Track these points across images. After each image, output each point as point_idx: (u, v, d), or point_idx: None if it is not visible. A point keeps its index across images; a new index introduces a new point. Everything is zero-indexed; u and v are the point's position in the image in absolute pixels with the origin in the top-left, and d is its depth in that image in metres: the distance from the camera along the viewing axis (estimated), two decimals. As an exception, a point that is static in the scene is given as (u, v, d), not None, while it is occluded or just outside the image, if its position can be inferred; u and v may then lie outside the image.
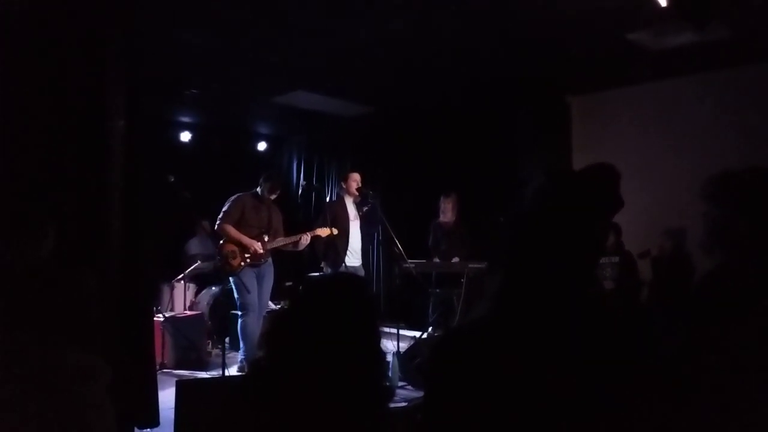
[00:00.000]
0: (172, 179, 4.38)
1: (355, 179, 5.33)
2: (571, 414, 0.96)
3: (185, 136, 7.35)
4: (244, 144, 8.10)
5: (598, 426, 0.96)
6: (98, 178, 2.79)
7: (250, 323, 4.72)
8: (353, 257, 5.32)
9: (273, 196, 4.98)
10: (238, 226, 4.81)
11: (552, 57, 4.87)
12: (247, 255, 4.77)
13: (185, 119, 7.39)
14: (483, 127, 6.19)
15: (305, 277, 5.35)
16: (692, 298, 1.58)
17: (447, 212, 5.73)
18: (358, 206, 5.42)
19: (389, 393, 1.39)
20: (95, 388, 1.12)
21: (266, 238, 4.86)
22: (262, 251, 4.79)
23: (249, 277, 4.77)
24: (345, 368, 1.26)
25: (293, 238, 4.91)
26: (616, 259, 5.04)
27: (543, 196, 1.04)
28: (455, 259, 5.44)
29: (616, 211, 1.04)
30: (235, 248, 4.78)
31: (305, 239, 4.86)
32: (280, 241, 4.93)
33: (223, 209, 4.87)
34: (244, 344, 4.73)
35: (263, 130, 8.25)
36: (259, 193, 4.96)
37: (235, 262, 4.75)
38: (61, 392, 1.10)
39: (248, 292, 4.73)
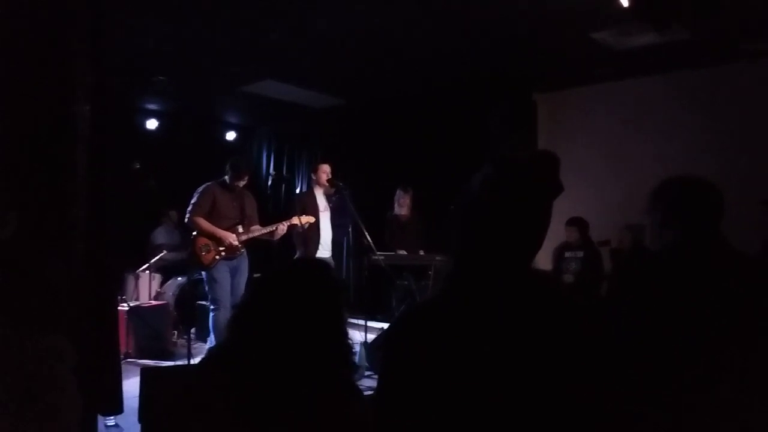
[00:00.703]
0: (138, 166, 4.30)
1: (325, 170, 5.31)
2: (519, 394, 1.00)
3: (152, 124, 7.23)
4: (212, 133, 8.01)
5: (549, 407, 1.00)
6: (62, 163, 2.74)
7: (221, 318, 4.48)
8: (323, 249, 5.32)
9: (242, 183, 4.70)
10: (209, 218, 4.56)
11: (519, 55, 4.97)
12: (221, 248, 4.54)
13: (152, 107, 7.26)
14: (451, 121, 6.26)
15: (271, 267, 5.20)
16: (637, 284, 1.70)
17: (404, 206, 5.81)
18: (329, 197, 5.43)
19: (354, 368, 1.43)
20: (62, 369, 1.13)
21: (240, 229, 4.64)
22: (236, 243, 4.57)
23: (222, 272, 4.57)
24: (310, 346, 1.30)
25: (269, 228, 4.70)
26: (580, 254, 5.17)
27: (488, 182, 1.09)
28: (420, 252, 5.53)
29: (556, 195, 1.12)
30: (209, 242, 4.54)
31: (281, 228, 4.68)
32: (255, 232, 4.70)
33: (192, 201, 4.61)
34: (215, 338, 4.57)
35: (232, 119, 8.17)
36: (227, 181, 4.68)
37: (209, 257, 4.52)
38: (29, 372, 1.10)
39: (220, 287, 4.53)
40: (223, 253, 4.55)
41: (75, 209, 2.74)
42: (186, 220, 4.63)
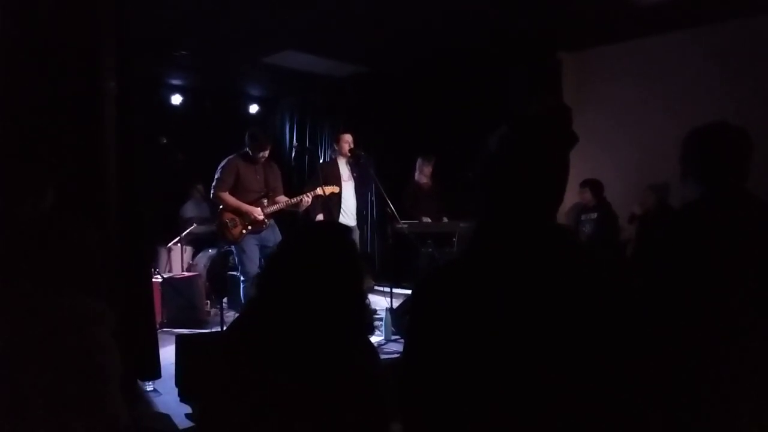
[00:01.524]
0: (165, 141, 4.37)
1: (346, 140, 5.32)
2: (545, 355, 1.00)
3: (176, 99, 7.32)
4: (236, 106, 8.06)
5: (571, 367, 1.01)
6: (92, 139, 2.83)
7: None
8: (347, 217, 5.37)
9: (264, 154, 4.63)
10: (234, 192, 4.55)
11: (543, 14, 4.85)
12: (247, 223, 4.56)
13: (176, 82, 7.34)
14: (475, 85, 6.18)
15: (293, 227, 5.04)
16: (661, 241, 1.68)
17: (426, 175, 5.83)
18: (352, 167, 5.46)
19: (370, 326, 1.49)
20: (103, 331, 1.20)
21: (265, 202, 4.64)
22: (261, 217, 4.57)
23: (250, 245, 4.59)
24: (328, 305, 1.36)
25: (294, 200, 4.68)
26: (594, 215, 5.12)
27: (503, 140, 1.11)
28: (444, 219, 5.55)
29: (571, 146, 1.12)
30: (234, 216, 4.55)
31: (306, 200, 4.65)
32: (281, 204, 4.68)
33: (216, 176, 4.60)
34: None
35: (255, 92, 8.20)
36: (250, 153, 4.63)
37: (235, 231, 4.54)
38: (72, 335, 1.18)
39: (249, 259, 4.56)
40: (249, 227, 4.57)
41: (106, 183, 2.84)
42: (211, 195, 4.66)
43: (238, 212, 4.56)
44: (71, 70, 2.78)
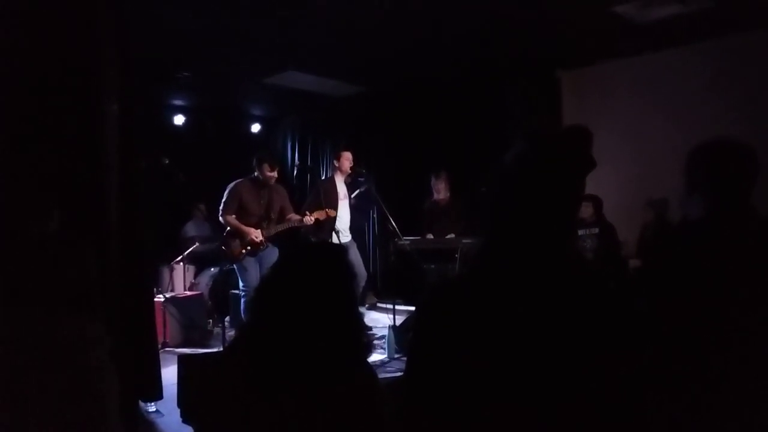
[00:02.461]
0: (167, 162, 4.41)
1: (347, 158, 5.38)
2: (551, 369, 1.00)
3: (179, 119, 7.38)
4: (238, 126, 8.11)
5: (576, 379, 1.00)
6: (94, 161, 2.85)
7: None
8: (343, 235, 5.43)
9: (274, 175, 4.88)
10: (238, 215, 4.83)
11: (541, 32, 4.90)
12: (246, 244, 4.81)
13: (179, 102, 7.40)
14: (475, 103, 6.23)
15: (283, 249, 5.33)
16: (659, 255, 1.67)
17: (440, 191, 5.83)
18: (351, 185, 5.50)
19: (368, 345, 1.48)
20: (98, 353, 1.20)
21: (265, 225, 4.87)
22: (259, 240, 4.80)
23: (251, 264, 4.84)
24: (323, 327, 1.36)
25: (292, 223, 4.91)
26: (595, 230, 5.12)
27: (521, 158, 1.09)
28: (451, 236, 5.54)
29: (589, 171, 1.10)
30: (236, 238, 4.84)
31: (307, 220, 4.88)
32: (280, 228, 4.92)
33: (223, 200, 4.87)
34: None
35: (257, 111, 8.26)
36: (258, 176, 4.88)
37: (235, 252, 4.83)
38: (69, 358, 1.18)
39: (249, 275, 4.81)
40: (248, 248, 4.82)
41: (108, 205, 2.86)
42: (219, 218, 4.91)
43: (239, 234, 4.81)
44: (73, 93, 2.81)
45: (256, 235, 4.79)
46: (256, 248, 4.83)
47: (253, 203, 4.86)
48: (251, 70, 5.96)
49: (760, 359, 1.50)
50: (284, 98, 7.15)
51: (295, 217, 4.94)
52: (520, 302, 1.02)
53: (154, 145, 5.77)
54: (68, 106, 2.81)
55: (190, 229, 6.90)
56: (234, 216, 4.81)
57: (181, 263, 6.09)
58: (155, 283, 5.71)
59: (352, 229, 5.59)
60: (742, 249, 1.56)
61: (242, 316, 4.74)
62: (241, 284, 4.93)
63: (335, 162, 5.54)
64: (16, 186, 1.99)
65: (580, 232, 5.20)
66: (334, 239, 5.25)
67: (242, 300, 4.87)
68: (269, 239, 4.89)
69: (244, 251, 4.82)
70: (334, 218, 5.25)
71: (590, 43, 5.21)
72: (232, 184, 4.90)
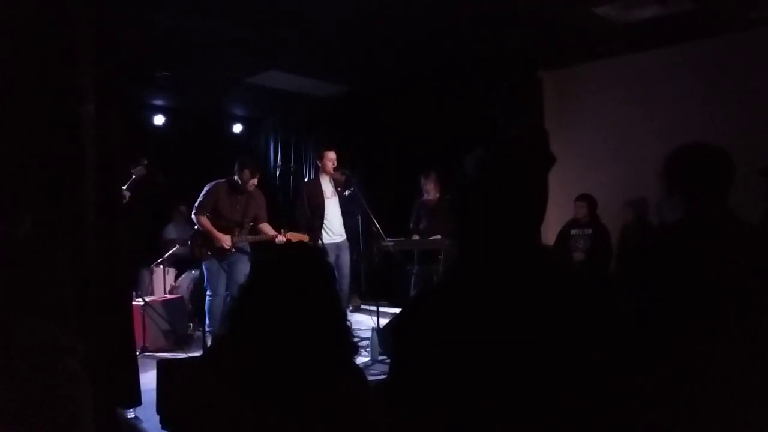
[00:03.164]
0: (146, 162, 4.34)
1: (330, 158, 5.37)
2: (532, 371, 1.00)
3: (159, 120, 7.27)
4: (219, 126, 8.03)
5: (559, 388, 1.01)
6: (71, 163, 2.78)
7: (215, 305, 4.80)
8: (332, 234, 5.41)
9: (254, 182, 4.81)
10: (212, 216, 4.76)
11: (522, 32, 4.92)
12: (213, 247, 4.77)
13: (158, 102, 7.29)
14: (458, 103, 6.23)
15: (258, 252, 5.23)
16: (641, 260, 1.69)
17: (430, 191, 5.82)
18: (337, 185, 5.48)
19: (353, 347, 1.46)
20: (71, 362, 1.16)
21: (237, 231, 4.82)
22: (227, 247, 4.75)
23: (214, 265, 4.80)
24: (306, 330, 1.33)
25: (264, 237, 4.87)
26: (589, 231, 5.16)
27: (480, 163, 1.10)
28: (436, 237, 5.53)
29: (549, 167, 1.13)
30: (204, 239, 4.79)
31: (280, 239, 4.81)
32: (251, 238, 4.89)
33: (198, 199, 4.80)
34: (209, 321, 4.82)
35: (238, 111, 8.18)
36: (237, 180, 4.81)
37: (200, 252, 4.80)
38: (38, 366, 1.14)
39: (213, 276, 4.80)
40: (212, 251, 4.79)
41: (84, 207, 2.79)
42: (192, 216, 4.85)
43: (208, 237, 4.77)
44: (48, 93, 2.74)
45: (226, 242, 4.75)
46: (222, 254, 4.80)
47: (229, 207, 4.81)
48: (233, 70, 5.90)
49: (741, 360, 1.51)
50: (266, 98, 7.09)
51: (268, 231, 4.90)
52: (498, 306, 1.03)
53: (134, 146, 5.69)
54: (43, 106, 2.74)
55: (171, 231, 6.80)
56: (207, 217, 4.75)
57: (162, 266, 6.00)
58: (135, 286, 5.62)
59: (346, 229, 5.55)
60: (721, 251, 1.59)
61: (207, 315, 4.86)
62: (205, 284, 4.91)
63: (318, 162, 5.52)
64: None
65: (573, 232, 5.24)
66: (326, 239, 5.23)
67: (207, 300, 4.87)
68: (238, 248, 4.84)
69: (209, 253, 4.79)
70: (321, 218, 5.23)
71: (572, 44, 5.25)
72: (210, 184, 4.84)
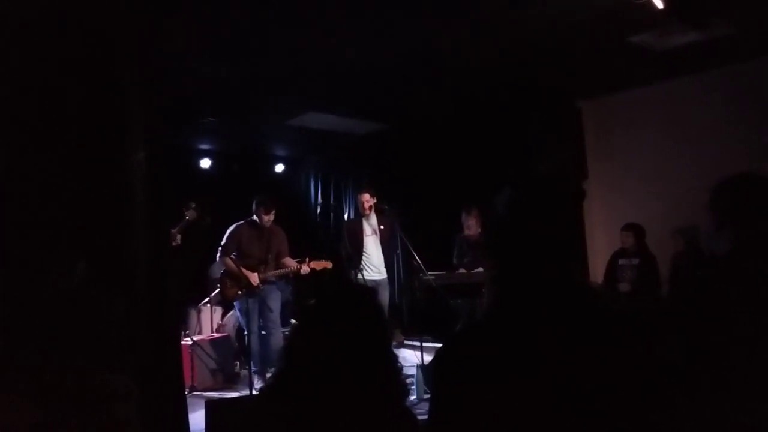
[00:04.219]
0: (194, 206, 4.51)
1: (363, 200, 5.53)
2: (575, 411, 0.99)
3: (205, 163, 7.55)
4: (262, 167, 8.27)
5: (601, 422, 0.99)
6: (123, 210, 2.91)
7: (253, 342, 4.95)
8: (373, 271, 5.47)
9: (270, 218, 5.03)
10: (238, 257, 4.96)
11: (559, 64, 4.92)
12: (242, 285, 4.95)
13: (204, 146, 7.58)
14: (499, 136, 6.24)
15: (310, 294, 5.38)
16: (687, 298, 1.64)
17: (471, 226, 5.79)
18: (379, 221, 5.56)
19: (405, 389, 1.46)
20: (126, 407, 1.20)
21: (262, 269, 5.00)
22: (255, 283, 4.92)
23: (246, 303, 4.94)
24: (359, 372, 1.34)
25: (289, 270, 5.02)
26: (636, 260, 5.00)
27: (510, 203, 1.11)
28: (479, 269, 5.49)
29: (579, 201, 1.13)
30: (232, 279, 4.99)
31: (304, 269, 4.96)
32: (276, 273, 5.05)
33: (222, 242, 5.02)
34: (252, 360, 4.93)
35: (279, 152, 8.41)
36: (256, 219, 5.04)
37: (231, 292, 5.00)
38: (94, 411, 1.18)
39: (246, 316, 4.93)
40: (244, 290, 4.96)
41: (137, 253, 2.90)
42: (217, 259, 5.09)
43: (236, 276, 4.94)
44: (100, 143, 2.89)
45: (253, 279, 4.91)
46: (252, 290, 4.94)
47: (252, 246, 5.02)
48: (273, 114, 6.10)
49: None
50: (306, 138, 7.28)
51: (291, 264, 5.03)
52: (537, 347, 1.02)
53: (182, 189, 5.91)
54: (96, 156, 2.89)
55: (216, 270, 6.95)
56: (233, 258, 4.94)
57: (208, 305, 6.12)
58: (183, 325, 5.75)
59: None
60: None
61: (248, 352, 4.97)
62: (242, 324, 5.08)
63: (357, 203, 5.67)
64: (41, 239, 2.04)
65: (621, 262, 5.10)
66: (366, 275, 5.32)
67: (245, 340, 5.02)
68: (264, 281, 5.00)
69: (240, 292, 4.96)
70: (359, 256, 5.35)
71: (610, 73, 5.21)
72: (231, 227, 5.09)
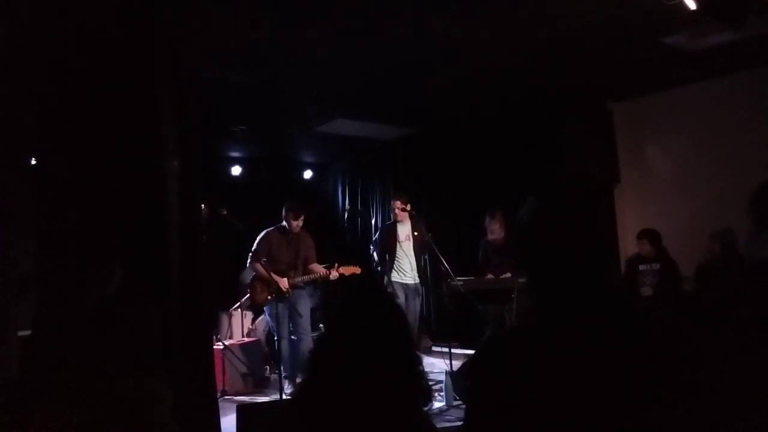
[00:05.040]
0: (225, 212, 4.58)
1: (395, 206, 5.58)
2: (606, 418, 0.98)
3: (236, 170, 7.68)
4: (291, 173, 8.37)
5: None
6: (157, 217, 2.98)
7: (283, 347, 5.03)
8: (406, 276, 5.52)
9: (299, 223, 5.11)
10: (267, 262, 5.03)
11: (590, 67, 4.86)
12: (272, 290, 5.02)
13: (235, 154, 7.71)
14: (528, 140, 6.18)
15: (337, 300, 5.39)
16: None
17: (495, 231, 5.74)
18: (414, 227, 5.62)
19: (428, 392, 1.46)
20: (162, 410, 1.23)
21: (292, 274, 5.08)
22: (285, 288, 4.99)
23: (275, 308, 5.01)
24: (384, 375, 1.35)
25: (318, 276, 5.10)
26: (657, 266, 4.92)
27: (535, 213, 1.11)
28: (507, 275, 5.42)
29: (608, 207, 1.13)
30: (262, 284, 5.08)
31: (333, 274, 5.04)
32: (305, 278, 5.13)
33: (253, 248, 5.11)
34: (283, 365, 5.01)
35: (308, 158, 8.50)
36: (285, 225, 5.13)
37: (261, 297, 5.09)
38: (134, 414, 1.21)
39: (276, 321, 5.00)
40: (273, 295, 5.03)
41: (171, 260, 2.96)
42: (247, 264, 5.16)
43: (266, 281, 5.02)
44: (135, 151, 2.97)
45: (283, 284, 4.99)
46: (282, 295, 5.01)
47: (281, 251, 5.12)
48: (301, 121, 6.17)
49: None
50: (334, 145, 7.34)
51: (320, 270, 5.10)
52: (575, 352, 1.02)
53: (213, 196, 6.01)
54: (131, 165, 2.96)
55: (247, 275, 7.04)
56: (262, 263, 5.00)
57: (239, 309, 6.21)
58: (215, 330, 5.84)
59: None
60: None
61: (279, 356, 5.04)
62: (272, 330, 5.14)
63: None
64: (80, 248, 2.10)
65: (641, 268, 5.01)
66: (397, 278, 5.41)
67: (275, 345, 5.09)
68: (294, 286, 5.08)
69: (269, 297, 5.05)
70: (392, 261, 5.46)
71: (641, 76, 5.12)
72: (262, 233, 5.18)
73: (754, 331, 1.54)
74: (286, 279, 5.02)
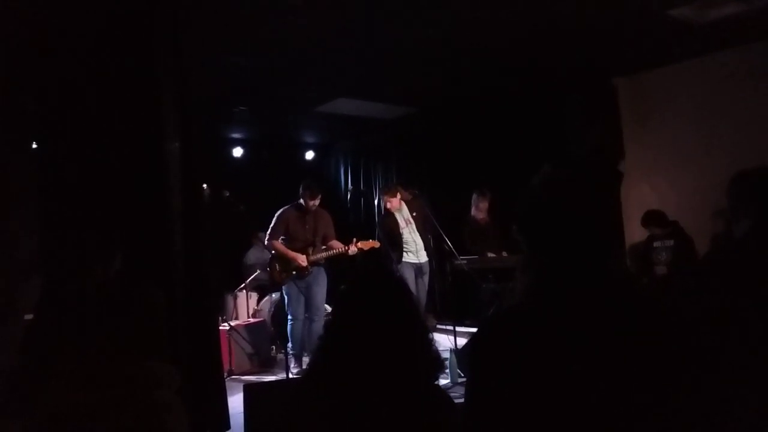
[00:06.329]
0: (227, 194, 4.58)
1: (386, 200, 5.62)
2: (612, 400, 0.98)
3: (237, 152, 7.65)
4: (292, 154, 8.33)
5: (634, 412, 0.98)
6: (159, 199, 2.98)
7: (296, 328, 5.03)
8: (414, 255, 5.56)
9: (315, 202, 5.07)
10: (285, 240, 5.00)
11: (594, 41, 4.78)
12: (291, 268, 4.99)
13: (236, 135, 7.68)
14: (531, 117, 6.12)
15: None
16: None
17: (482, 210, 5.78)
18: (411, 208, 5.61)
19: (440, 361, 1.46)
20: (168, 392, 1.24)
21: (311, 251, 5.04)
22: (304, 264, 4.96)
23: (294, 288, 5.00)
24: (394, 350, 1.36)
25: (338, 252, 5.06)
26: (670, 242, 4.90)
27: (548, 182, 1.10)
28: (491, 255, 5.47)
29: (617, 184, 1.12)
30: (281, 262, 5.02)
31: (352, 249, 5.02)
32: (324, 254, 5.08)
33: (270, 226, 5.08)
34: (292, 343, 5.05)
35: (310, 139, 8.46)
36: (302, 203, 5.08)
37: (281, 276, 5.02)
38: (138, 397, 1.22)
39: (293, 300, 4.99)
40: (293, 273, 4.99)
41: (173, 241, 2.97)
42: (265, 242, 5.09)
43: (285, 258, 4.97)
44: (136, 135, 2.96)
45: (302, 260, 4.96)
46: (301, 273, 4.99)
47: (299, 229, 5.06)
48: (303, 101, 6.12)
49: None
50: (335, 125, 7.29)
51: (338, 246, 5.07)
52: (574, 333, 1.02)
53: (215, 178, 6.01)
54: (132, 147, 2.96)
55: (252, 256, 7.08)
56: (280, 241, 4.98)
57: (244, 291, 6.24)
58: (220, 311, 5.88)
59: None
60: None
61: (288, 338, 5.08)
62: (286, 308, 5.10)
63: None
64: (82, 234, 2.10)
65: (656, 245, 5.01)
66: (409, 258, 5.44)
67: (288, 324, 5.08)
68: (313, 263, 5.04)
69: (288, 275, 5.00)
70: (400, 245, 5.47)
71: (646, 50, 5.04)
72: (279, 211, 5.13)
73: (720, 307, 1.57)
74: (305, 256, 4.99)
